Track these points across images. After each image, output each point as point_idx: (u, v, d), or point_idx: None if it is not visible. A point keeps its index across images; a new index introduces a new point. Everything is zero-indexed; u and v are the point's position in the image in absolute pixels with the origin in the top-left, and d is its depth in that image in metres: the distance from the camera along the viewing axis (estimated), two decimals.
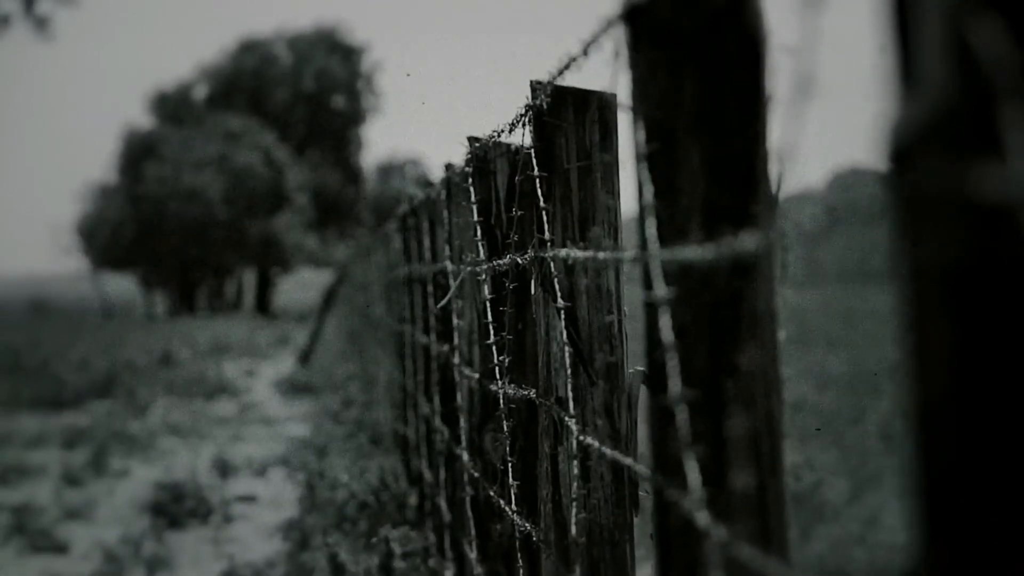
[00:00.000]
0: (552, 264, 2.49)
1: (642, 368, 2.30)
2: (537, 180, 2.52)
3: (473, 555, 4.19)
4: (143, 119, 58.27)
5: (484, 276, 3.58)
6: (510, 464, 3.30)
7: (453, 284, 4.48)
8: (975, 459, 0.83)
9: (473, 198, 3.68)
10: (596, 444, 2.37)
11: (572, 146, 2.46)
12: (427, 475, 6.87)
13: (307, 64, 59.49)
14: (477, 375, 4.08)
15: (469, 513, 4.24)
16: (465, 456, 4.37)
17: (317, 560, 6.56)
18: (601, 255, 2.36)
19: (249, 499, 10.24)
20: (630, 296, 2.50)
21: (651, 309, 1.60)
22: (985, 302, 0.82)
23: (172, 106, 58.56)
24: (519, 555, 3.20)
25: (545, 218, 2.51)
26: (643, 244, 1.61)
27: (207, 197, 53.12)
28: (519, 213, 3.01)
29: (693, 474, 1.53)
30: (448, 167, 4.89)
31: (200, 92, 59.29)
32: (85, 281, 58.88)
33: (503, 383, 3.37)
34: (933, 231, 0.86)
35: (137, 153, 54.74)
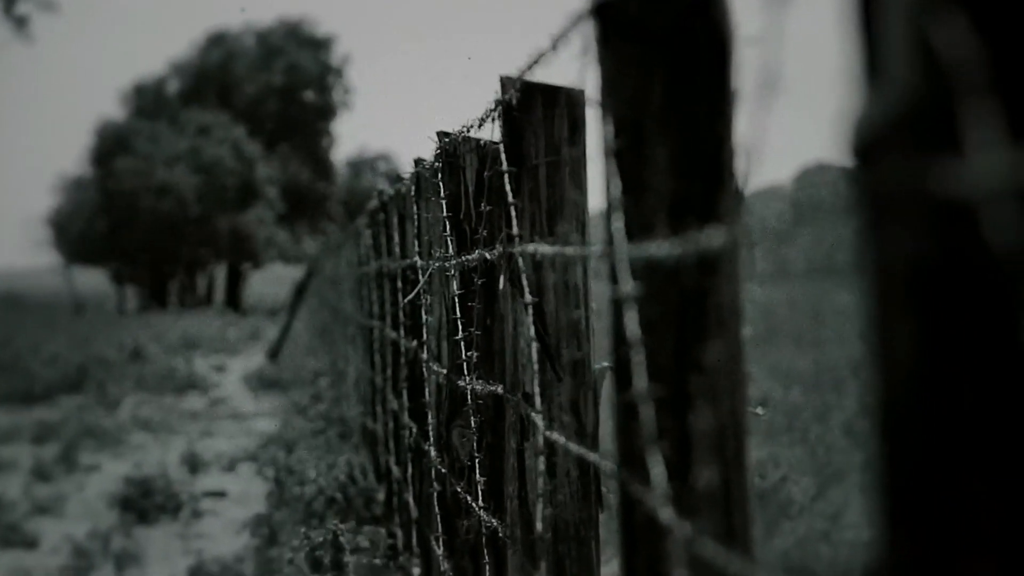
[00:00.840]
0: (520, 260, 2.49)
1: (608, 364, 2.30)
2: (506, 175, 2.52)
3: (440, 551, 4.19)
4: (116, 113, 58.16)
5: (453, 271, 3.58)
6: (477, 460, 3.30)
7: (422, 279, 4.48)
8: (938, 456, 0.83)
9: (442, 193, 3.68)
10: (562, 440, 2.37)
11: (541, 142, 2.45)
12: (395, 471, 6.86)
13: (276, 58, 59.37)
14: (445, 371, 4.07)
15: (436, 509, 4.24)
16: (433, 452, 4.36)
17: (295, 555, 6.54)
18: (569, 251, 2.36)
19: (218, 494, 10.23)
20: (597, 292, 2.50)
21: (617, 305, 1.61)
22: (948, 299, 0.82)
23: (144, 100, 58.39)
24: (485, 551, 3.20)
25: (513, 213, 2.51)
26: (610, 240, 1.61)
27: (178, 191, 52.98)
28: (488, 208, 3.00)
29: (658, 470, 1.53)
30: (418, 162, 4.88)
31: (172, 86, 59.12)
32: (56, 275, 58.63)
33: (471, 379, 3.37)
34: (897, 228, 0.86)
35: (109, 147, 54.57)
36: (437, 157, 3.77)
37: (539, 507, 2.43)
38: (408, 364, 5.68)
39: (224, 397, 18.40)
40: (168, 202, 53.03)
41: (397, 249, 6.25)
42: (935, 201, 0.81)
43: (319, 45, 59.96)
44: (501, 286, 2.69)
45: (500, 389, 2.89)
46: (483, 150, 3.48)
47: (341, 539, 6.14)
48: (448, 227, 3.65)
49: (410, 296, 4.86)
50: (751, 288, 1.54)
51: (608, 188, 1.63)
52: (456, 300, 3.51)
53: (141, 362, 22.96)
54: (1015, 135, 0.77)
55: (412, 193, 5.03)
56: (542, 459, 2.41)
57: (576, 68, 1.76)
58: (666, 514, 1.52)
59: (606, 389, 2.44)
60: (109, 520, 9.11)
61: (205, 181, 53.53)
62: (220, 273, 59.57)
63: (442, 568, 4.13)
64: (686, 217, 1.54)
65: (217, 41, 59.51)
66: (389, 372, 7.12)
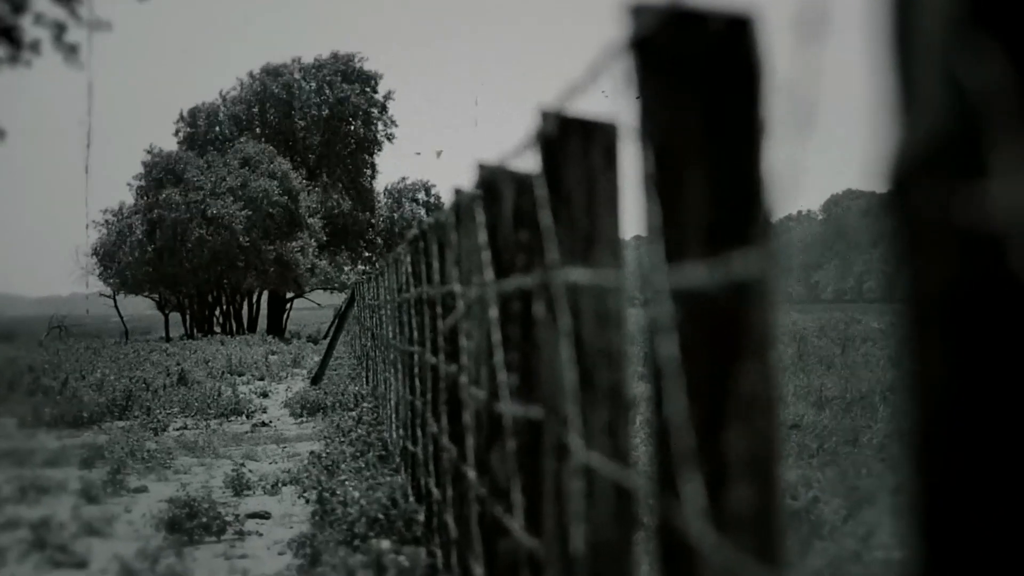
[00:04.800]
0: (557, 286, 2.53)
1: (643, 386, 2.34)
2: (543, 204, 2.57)
3: (479, 571, 4.23)
4: (166, 145, 58.65)
5: (491, 298, 3.62)
6: (515, 482, 3.34)
7: (461, 305, 4.53)
8: (970, 477, 0.85)
9: (481, 221, 3.73)
10: (599, 462, 2.41)
11: (577, 172, 2.50)
12: (435, 492, 6.90)
13: (323, 91, 59.87)
14: (484, 394, 4.12)
15: (476, 529, 4.28)
16: (472, 474, 4.41)
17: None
18: (604, 277, 2.41)
19: (262, 516, 10.31)
20: (632, 317, 2.54)
21: (653, 330, 1.64)
22: (979, 325, 0.83)
23: (194, 133, 59.00)
24: (524, 571, 3.24)
25: (551, 241, 2.55)
26: (646, 266, 1.65)
27: (226, 222, 53.36)
28: (526, 236, 3.05)
29: (692, 491, 1.56)
30: (457, 191, 4.93)
31: (221, 118, 59.69)
32: (105, 303, 59.00)
33: (509, 402, 3.41)
34: (929, 255, 0.87)
35: (159, 179, 55.11)
36: (476, 187, 3.82)
37: (577, 528, 2.47)
38: (448, 388, 5.73)
39: (268, 421, 18.53)
40: (215, 232, 53.41)
41: (437, 276, 6.30)
42: (965, 230, 0.83)
43: (366, 79, 60.50)
44: (538, 312, 2.74)
45: (538, 412, 2.94)
46: (521, 180, 3.53)
47: (383, 560, 6.19)
48: (487, 254, 3.69)
49: (449, 322, 4.91)
50: (782, 313, 1.58)
51: (644, 216, 1.66)
52: (495, 326, 3.56)
53: (186, 387, 23.12)
54: None
55: (452, 221, 5.09)
56: (580, 480, 2.46)
57: (613, 97, 1.81)
58: (700, 533, 1.54)
59: (642, 412, 2.48)
60: (156, 541, 9.21)
61: (252, 211, 53.90)
62: (263, 301, 59.89)
63: None
64: (721, 244, 1.56)
65: (268, 74, 60.09)
66: (429, 396, 7.17)
